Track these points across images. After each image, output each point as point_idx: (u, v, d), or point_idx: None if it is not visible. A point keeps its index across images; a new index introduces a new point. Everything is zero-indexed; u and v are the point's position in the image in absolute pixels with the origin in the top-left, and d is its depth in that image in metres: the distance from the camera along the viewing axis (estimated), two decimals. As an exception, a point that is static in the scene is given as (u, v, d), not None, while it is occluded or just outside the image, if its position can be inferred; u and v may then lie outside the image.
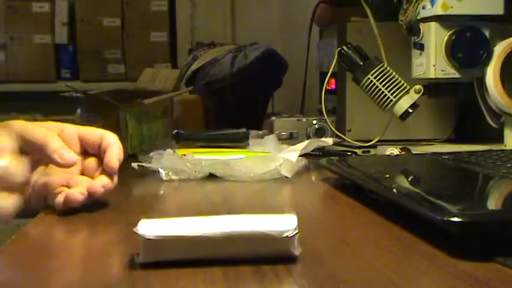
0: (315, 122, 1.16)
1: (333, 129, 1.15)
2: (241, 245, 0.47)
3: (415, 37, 1.01)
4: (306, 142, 0.96)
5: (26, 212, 0.68)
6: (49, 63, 2.86)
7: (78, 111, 1.29)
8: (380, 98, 1.04)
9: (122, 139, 1.10)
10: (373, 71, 1.04)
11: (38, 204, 0.69)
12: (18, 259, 0.51)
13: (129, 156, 1.14)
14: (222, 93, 1.60)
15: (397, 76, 1.04)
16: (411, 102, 1.03)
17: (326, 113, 1.13)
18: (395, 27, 1.04)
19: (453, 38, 0.97)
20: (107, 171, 0.69)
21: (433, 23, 0.98)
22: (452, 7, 0.96)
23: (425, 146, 1.13)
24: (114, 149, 0.70)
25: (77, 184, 0.68)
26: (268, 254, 0.47)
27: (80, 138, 0.71)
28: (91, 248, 0.54)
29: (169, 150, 0.95)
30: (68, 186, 0.68)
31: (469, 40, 0.97)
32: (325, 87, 1.17)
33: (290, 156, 0.88)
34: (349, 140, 1.13)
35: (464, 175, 0.75)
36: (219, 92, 1.60)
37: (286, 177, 0.87)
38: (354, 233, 0.59)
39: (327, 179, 0.87)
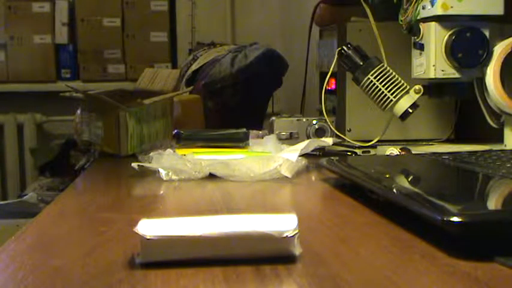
0: (315, 122, 1.16)
1: (333, 129, 1.15)
2: (241, 245, 0.47)
3: (415, 37, 1.01)
4: (306, 142, 0.96)
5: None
6: (49, 63, 2.86)
7: (78, 111, 1.29)
8: (380, 98, 1.04)
9: (122, 139, 1.11)
10: (373, 71, 1.04)
11: None
12: (19, 259, 0.51)
13: (129, 156, 1.14)
14: (222, 93, 1.60)
15: (397, 76, 1.04)
16: (411, 102, 1.03)
17: (326, 113, 1.13)
18: (395, 27, 1.04)
19: (453, 38, 0.97)
20: None
21: (433, 23, 0.98)
22: (452, 7, 0.96)
23: (425, 146, 1.13)
24: None
25: None
26: (268, 254, 0.47)
27: None
28: (91, 247, 0.54)
29: (169, 150, 0.95)
30: None
31: (469, 40, 0.97)
32: (325, 87, 1.17)
33: (290, 156, 0.88)
34: (349, 140, 1.13)
35: (464, 175, 0.75)
36: (219, 92, 1.60)
37: (286, 177, 0.87)
38: (354, 233, 0.59)
39: (327, 179, 0.87)
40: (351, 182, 0.77)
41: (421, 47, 1.01)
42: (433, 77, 1.00)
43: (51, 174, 2.38)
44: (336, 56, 1.09)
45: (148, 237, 0.46)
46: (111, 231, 0.60)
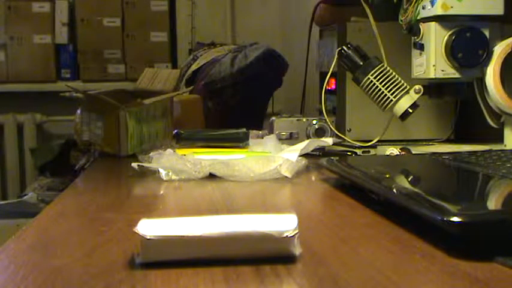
0: (315, 122, 1.16)
1: (333, 129, 1.15)
2: (241, 245, 0.47)
3: (415, 37, 1.01)
4: (306, 142, 0.96)
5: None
6: (49, 63, 2.86)
7: (78, 111, 1.29)
8: (380, 98, 1.04)
9: (122, 139, 1.10)
10: (373, 71, 1.04)
11: None
12: (19, 258, 0.51)
13: (129, 156, 1.14)
14: (222, 93, 1.60)
15: (397, 76, 1.04)
16: (411, 102, 1.03)
17: (326, 113, 1.13)
18: (395, 27, 1.04)
19: (453, 38, 0.97)
20: None
21: (433, 23, 0.98)
22: (452, 7, 0.96)
23: (425, 146, 1.13)
24: None
25: None
26: (268, 254, 0.47)
27: None
28: (91, 247, 0.54)
29: (169, 150, 0.95)
30: None
31: (469, 40, 0.97)
32: (325, 87, 1.17)
33: (290, 156, 0.88)
34: (349, 140, 1.13)
35: (464, 175, 0.75)
36: (219, 92, 1.60)
37: (286, 177, 0.87)
38: (354, 233, 0.59)
39: (327, 179, 0.87)
40: (351, 182, 0.77)
41: (421, 47, 1.01)
42: (433, 77, 1.00)
43: (51, 174, 2.38)
44: (336, 56, 1.09)
45: (148, 237, 0.46)
46: (111, 231, 0.60)
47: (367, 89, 1.05)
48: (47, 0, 2.85)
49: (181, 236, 0.46)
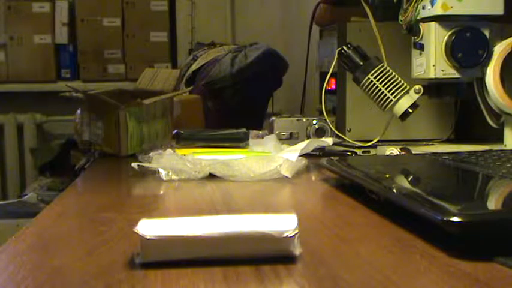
0: (315, 122, 1.16)
1: (333, 129, 1.15)
2: (241, 245, 0.47)
3: (415, 37, 1.01)
4: (306, 142, 0.96)
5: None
6: (49, 63, 2.86)
7: (78, 111, 1.29)
8: (380, 98, 1.04)
9: (122, 139, 1.10)
10: (373, 71, 1.04)
11: None
12: (19, 259, 0.51)
13: (129, 156, 1.14)
14: (222, 93, 1.60)
15: (397, 76, 1.04)
16: (411, 102, 1.03)
17: (326, 113, 1.13)
18: (395, 27, 1.04)
19: (453, 38, 0.97)
20: None
21: (433, 23, 0.98)
22: (452, 7, 0.96)
23: (425, 146, 1.13)
24: None
25: None
26: (268, 254, 0.47)
27: None
28: (91, 247, 0.54)
29: (169, 150, 0.95)
30: None
31: (469, 40, 0.97)
32: (325, 87, 1.17)
33: (290, 156, 0.88)
34: (349, 140, 1.13)
35: (464, 175, 0.75)
36: (219, 92, 1.60)
37: (286, 177, 0.87)
38: (354, 233, 0.59)
39: (327, 179, 0.87)
40: (351, 182, 0.77)
41: (421, 47, 1.01)
42: (433, 77, 1.00)
43: (51, 174, 2.38)
44: (336, 56, 1.09)
45: (148, 237, 0.46)
46: (111, 231, 0.60)
47: (367, 89, 1.05)
48: (47, 0, 2.84)
49: (181, 236, 0.46)
